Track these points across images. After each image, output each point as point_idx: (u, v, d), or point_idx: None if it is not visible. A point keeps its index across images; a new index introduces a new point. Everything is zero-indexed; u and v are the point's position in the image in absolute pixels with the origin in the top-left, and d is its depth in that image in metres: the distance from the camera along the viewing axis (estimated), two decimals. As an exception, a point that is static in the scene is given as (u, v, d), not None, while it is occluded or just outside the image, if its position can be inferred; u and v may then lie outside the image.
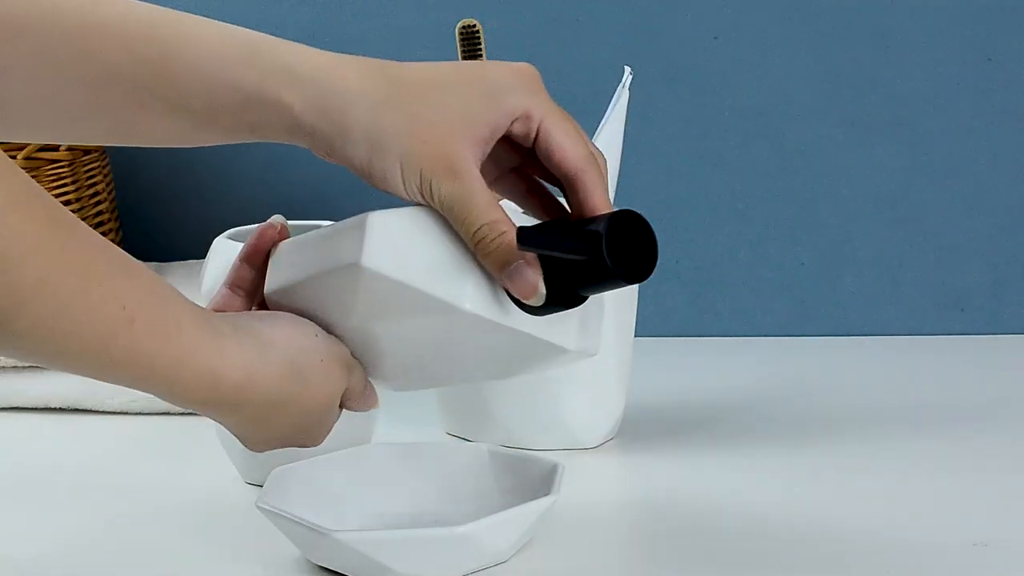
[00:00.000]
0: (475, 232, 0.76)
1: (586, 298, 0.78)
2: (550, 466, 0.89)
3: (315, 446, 0.82)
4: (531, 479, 0.89)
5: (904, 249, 1.25)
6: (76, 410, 1.13)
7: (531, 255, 0.75)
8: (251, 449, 0.80)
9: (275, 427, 0.79)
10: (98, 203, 1.26)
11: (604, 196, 0.77)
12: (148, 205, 1.35)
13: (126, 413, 1.12)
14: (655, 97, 1.25)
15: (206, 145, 0.83)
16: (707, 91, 1.26)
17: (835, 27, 1.24)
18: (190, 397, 0.75)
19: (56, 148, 1.22)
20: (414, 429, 1.06)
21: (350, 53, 0.80)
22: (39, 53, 0.79)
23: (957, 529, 0.88)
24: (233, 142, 0.82)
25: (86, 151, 1.25)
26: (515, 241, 0.74)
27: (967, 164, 1.24)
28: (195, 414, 1.10)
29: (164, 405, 1.11)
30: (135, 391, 1.04)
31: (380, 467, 0.92)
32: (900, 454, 1.00)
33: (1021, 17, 1.23)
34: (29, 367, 1.13)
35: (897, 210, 1.25)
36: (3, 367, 1.13)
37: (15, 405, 1.13)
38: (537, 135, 0.77)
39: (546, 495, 0.85)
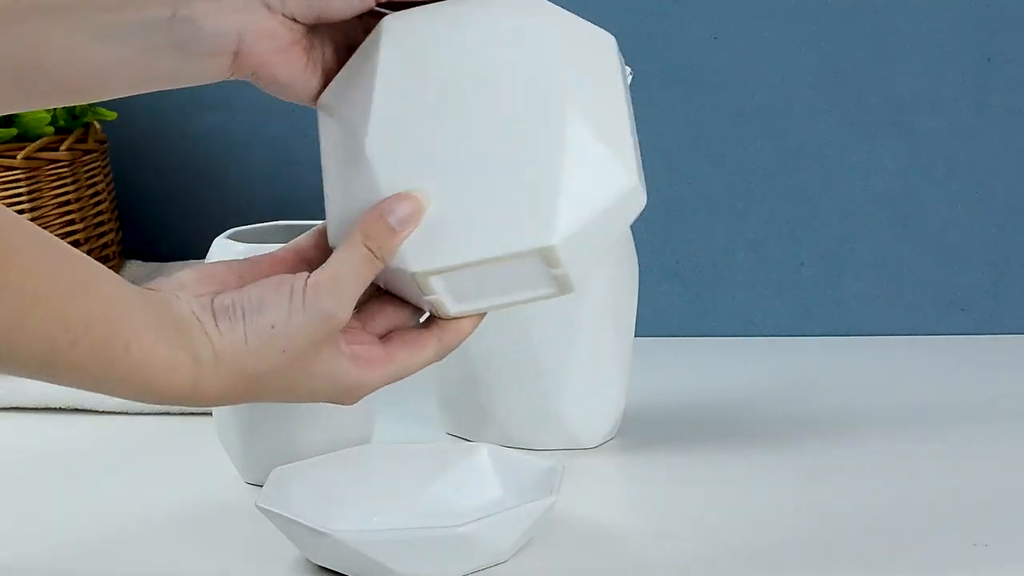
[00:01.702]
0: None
1: None
2: (550, 466, 0.89)
3: (351, 404, 0.82)
4: (531, 479, 0.89)
5: (904, 249, 1.25)
6: (76, 410, 1.13)
7: None
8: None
9: (266, 400, 0.80)
10: (98, 203, 1.26)
11: None
12: (148, 205, 1.35)
13: (126, 413, 1.12)
14: (655, 97, 1.25)
15: (111, 93, 0.81)
16: (707, 91, 1.26)
17: (835, 27, 1.24)
18: (138, 400, 0.77)
19: (56, 148, 1.22)
20: (414, 429, 1.06)
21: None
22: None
23: (957, 529, 0.88)
24: (133, 81, 0.80)
25: (86, 151, 1.25)
26: None
27: (967, 164, 1.24)
28: (195, 414, 1.11)
29: (164, 405, 1.11)
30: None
31: (380, 467, 0.92)
32: (900, 454, 1.00)
33: (1021, 17, 1.23)
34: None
35: (897, 210, 1.25)
36: (3, 367, 1.13)
37: (15, 405, 1.13)
38: None
39: (546, 495, 0.85)
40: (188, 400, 0.77)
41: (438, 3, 0.82)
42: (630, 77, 1.02)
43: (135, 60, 0.79)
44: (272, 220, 1.02)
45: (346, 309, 0.78)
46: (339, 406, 0.91)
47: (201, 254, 0.99)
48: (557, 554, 0.86)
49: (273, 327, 0.77)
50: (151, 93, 0.82)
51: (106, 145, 1.29)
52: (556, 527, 0.88)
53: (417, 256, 0.79)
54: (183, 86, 0.81)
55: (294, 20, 0.80)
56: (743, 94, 1.26)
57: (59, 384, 0.75)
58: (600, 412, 1.03)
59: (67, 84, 0.80)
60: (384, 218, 0.78)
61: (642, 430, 1.04)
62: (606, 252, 0.82)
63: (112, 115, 1.28)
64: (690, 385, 1.13)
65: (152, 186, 1.35)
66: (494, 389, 1.02)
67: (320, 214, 1.11)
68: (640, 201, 0.81)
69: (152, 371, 0.75)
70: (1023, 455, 1.00)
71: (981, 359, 1.20)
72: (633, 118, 0.82)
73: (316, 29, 0.82)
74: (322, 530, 0.82)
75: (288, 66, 0.81)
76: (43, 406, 1.13)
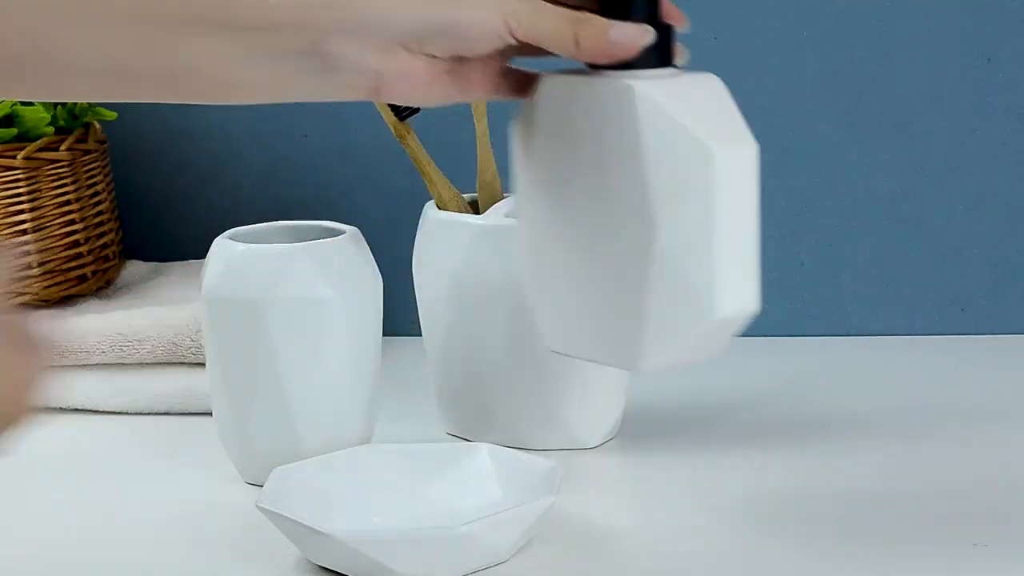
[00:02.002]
0: (568, 35, 0.80)
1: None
2: (550, 466, 0.89)
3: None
4: (531, 479, 0.89)
5: (904, 249, 1.25)
6: (76, 410, 1.13)
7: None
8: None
9: None
10: (98, 203, 1.26)
11: None
12: (148, 205, 1.35)
13: (126, 413, 1.12)
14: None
15: (253, 101, 0.83)
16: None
17: (835, 27, 1.24)
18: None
19: (56, 148, 1.22)
20: (414, 429, 1.06)
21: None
22: None
23: (957, 529, 0.88)
24: (274, 96, 0.82)
25: (86, 151, 1.25)
26: (600, 14, 0.80)
27: (967, 164, 1.24)
28: (196, 414, 1.11)
29: (164, 405, 1.11)
30: (134, 392, 1.04)
31: (380, 467, 0.92)
32: (900, 454, 1.00)
33: (1021, 17, 1.23)
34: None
35: (897, 210, 1.25)
36: (3, 367, 1.13)
37: (15, 405, 1.13)
38: None
39: (546, 495, 0.85)
40: None
41: (599, 76, 0.82)
42: None
43: (276, 80, 0.80)
44: (272, 220, 1.02)
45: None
46: (337, 408, 0.90)
47: (201, 254, 0.99)
48: (557, 554, 0.86)
49: None
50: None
51: (106, 145, 1.29)
52: (556, 527, 0.88)
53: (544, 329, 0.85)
54: (326, 101, 0.83)
55: (434, 57, 0.81)
56: (743, 94, 1.26)
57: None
58: (600, 412, 1.03)
59: (212, 92, 0.81)
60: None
61: (642, 430, 1.04)
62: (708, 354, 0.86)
63: (112, 115, 1.27)
64: (690, 385, 1.13)
65: (152, 186, 1.35)
66: (494, 389, 1.02)
67: (319, 214, 1.11)
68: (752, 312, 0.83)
69: None
70: (1023, 455, 1.00)
71: (981, 359, 1.20)
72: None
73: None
74: (322, 530, 0.82)
75: (429, 95, 0.82)
76: (43, 406, 1.13)
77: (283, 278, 0.94)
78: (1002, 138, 1.24)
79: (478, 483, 0.91)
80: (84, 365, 1.12)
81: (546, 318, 0.85)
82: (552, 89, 0.83)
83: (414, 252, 1.05)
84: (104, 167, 1.28)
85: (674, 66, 0.83)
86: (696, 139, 0.79)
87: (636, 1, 0.81)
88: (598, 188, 0.82)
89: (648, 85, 0.80)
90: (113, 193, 1.30)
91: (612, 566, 0.86)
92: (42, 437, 1.09)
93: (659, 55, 0.82)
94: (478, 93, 0.83)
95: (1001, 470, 0.97)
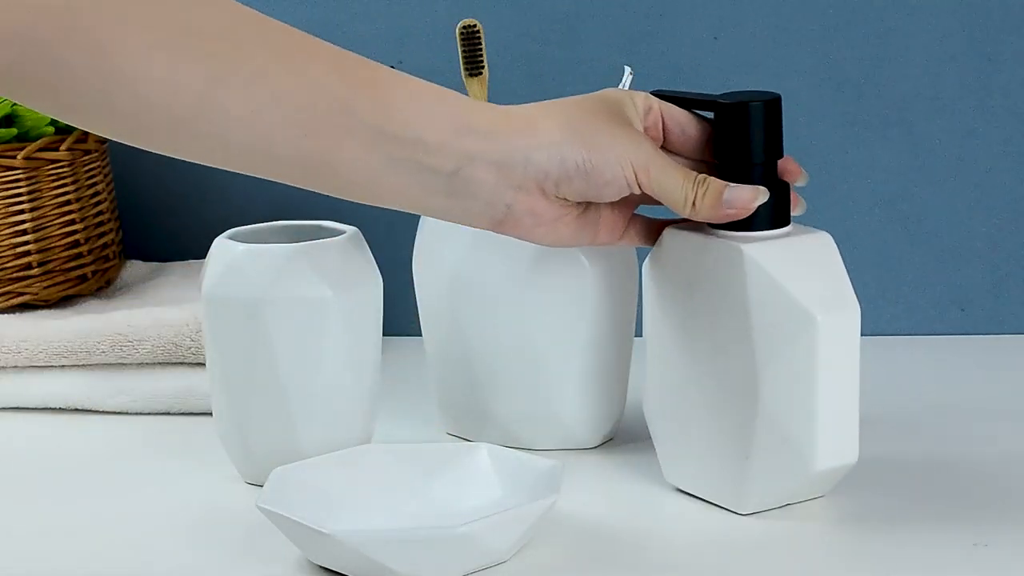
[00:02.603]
0: (687, 196, 0.85)
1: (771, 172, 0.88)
2: (550, 466, 0.89)
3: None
4: (531, 479, 0.89)
5: (904, 249, 1.25)
6: (76, 410, 1.13)
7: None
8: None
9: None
10: (98, 203, 1.26)
11: None
12: (148, 205, 1.35)
13: (126, 413, 1.12)
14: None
15: (382, 204, 0.85)
16: (707, 91, 1.26)
17: (835, 27, 1.24)
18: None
19: (56, 148, 1.22)
20: (414, 429, 1.06)
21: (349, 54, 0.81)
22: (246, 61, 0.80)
23: (957, 529, 0.88)
24: (405, 205, 0.85)
25: (86, 151, 1.25)
26: (719, 180, 0.85)
27: (967, 164, 1.24)
28: (196, 414, 1.11)
29: (164, 405, 1.11)
30: (134, 392, 1.05)
31: (380, 467, 0.92)
32: (900, 454, 1.00)
33: (1021, 17, 1.22)
34: (29, 367, 1.13)
35: (897, 210, 1.25)
36: (3, 367, 1.13)
37: (15, 405, 1.13)
38: (661, 115, 0.88)
39: (546, 495, 0.85)
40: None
41: (715, 235, 0.88)
42: (630, 78, 1.02)
43: (412, 191, 0.83)
44: (272, 220, 1.02)
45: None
46: (337, 408, 0.91)
47: (201, 254, 0.99)
48: (557, 554, 0.86)
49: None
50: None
51: (106, 145, 1.29)
52: (556, 527, 0.88)
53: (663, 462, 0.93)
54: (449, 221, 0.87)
55: (565, 200, 0.85)
56: (743, 94, 1.26)
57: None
58: (600, 412, 1.03)
59: (349, 189, 0.84)
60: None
61: (642, 430, 1.04)
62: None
63: (112, 115, 1.27)
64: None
65: (152, 186, 1.35)
66: (494, 389, 1.02)
67: (319, 214, 1.10)
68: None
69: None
70: (1023, 455, 1.00)
71: (981, 359, 1.20)
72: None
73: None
74: (322, 530, 0.82)
75: (553, 236, 0.87)
76: (44, 406, 1.13)
77: (283, 278, 0.94)
78: (1002, 138, 1.24)
79: (478, 483, 0.91)
80: (84, 365, 1.12)
81: (664, 451, 0.92)
82: (673, 241, 0.89)
83: (414, 252, 1.05)
84: (104, 167, 1.28)
85: (789, 224, 0.88)
86: (799, 305, 0.84)
87: (755, 159, 0.87)
88: (711, 339, 0.87)
89: (757, 248, 0.85)
90: (113, 193, 1.30)
91: (612, 566, 0.86)
92: (42, 437, 1.09)
93: (774, 215, 0.87)
94: (605, 238, 0.88)
95: (1001, 470, 0.97)
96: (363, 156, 0.82)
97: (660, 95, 0.90)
